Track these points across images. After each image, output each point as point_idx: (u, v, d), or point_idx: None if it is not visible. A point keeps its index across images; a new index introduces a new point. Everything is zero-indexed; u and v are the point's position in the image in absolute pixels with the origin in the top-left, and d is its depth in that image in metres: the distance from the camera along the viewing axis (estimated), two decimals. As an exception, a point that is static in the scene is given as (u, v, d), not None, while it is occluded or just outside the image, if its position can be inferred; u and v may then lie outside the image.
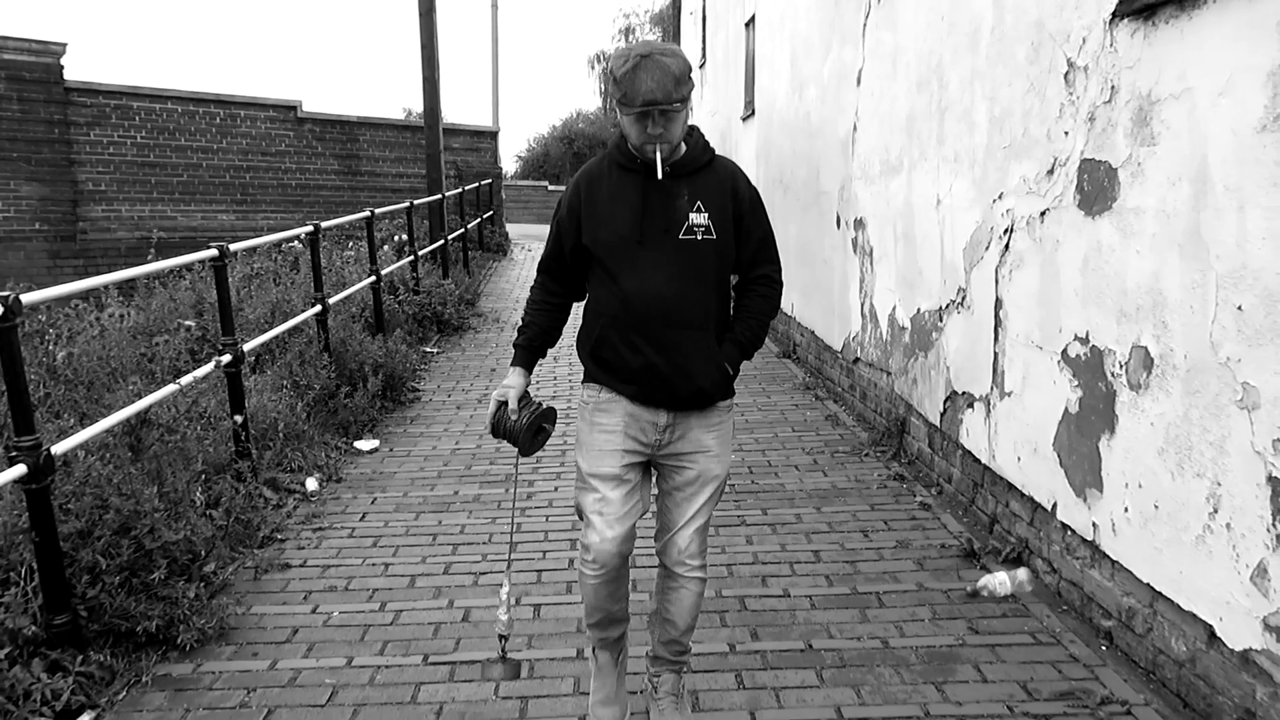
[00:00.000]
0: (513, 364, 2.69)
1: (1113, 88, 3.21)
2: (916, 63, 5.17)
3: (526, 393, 2.63)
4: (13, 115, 12.00)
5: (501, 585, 2.68)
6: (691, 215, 2.46)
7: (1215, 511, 2.74)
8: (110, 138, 13.00)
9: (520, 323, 2.74)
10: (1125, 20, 3.12)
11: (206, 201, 14.02)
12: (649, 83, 2.26)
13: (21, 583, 3.26)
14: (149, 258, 10.40)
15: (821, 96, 7.31)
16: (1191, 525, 2.85)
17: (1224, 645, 2.73)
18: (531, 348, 2.71)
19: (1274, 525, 2.50)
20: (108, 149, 12.99)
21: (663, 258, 2.45)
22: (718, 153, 2.61)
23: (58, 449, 3.25)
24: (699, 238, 2.47)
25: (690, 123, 2.50)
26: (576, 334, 2.68)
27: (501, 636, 2.65)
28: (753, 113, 10.39)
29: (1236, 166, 2.60)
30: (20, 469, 3.05)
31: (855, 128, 6.39)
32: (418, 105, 32.48)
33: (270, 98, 14.69)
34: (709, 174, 2.52)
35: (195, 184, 13.90)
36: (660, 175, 2.38)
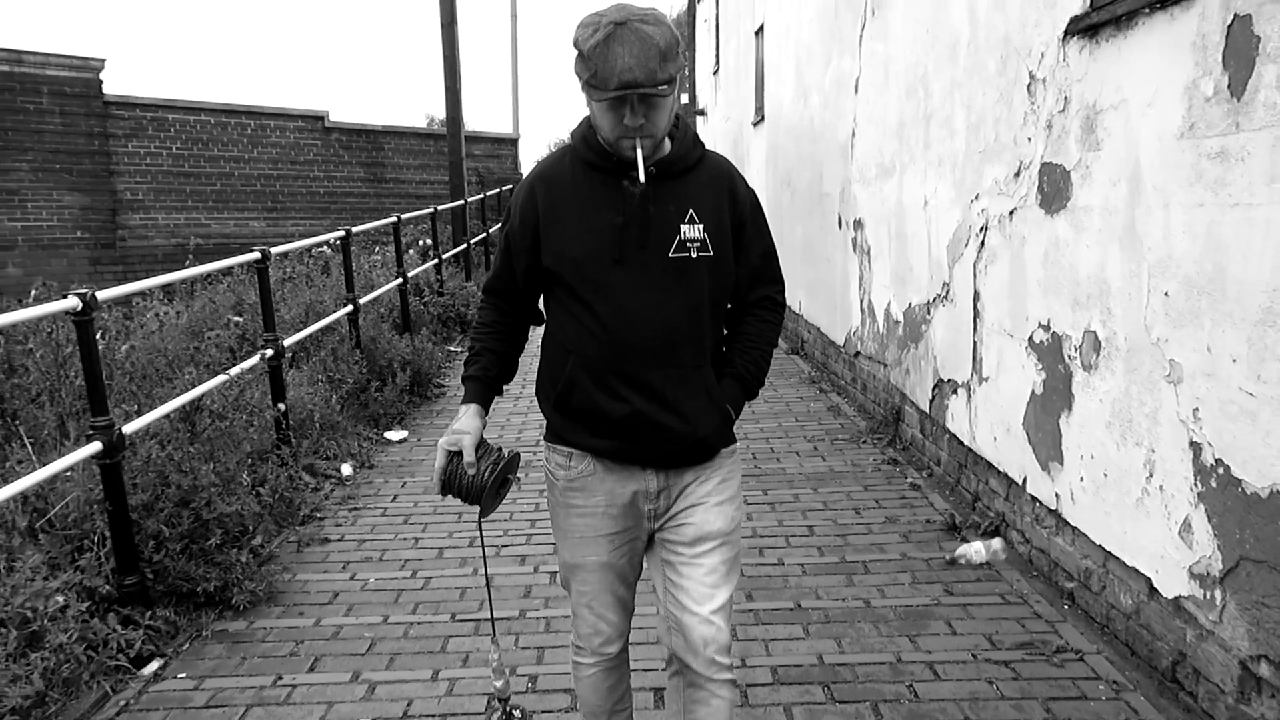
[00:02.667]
0: (464, 401, 2.12)
1: (1066, 98, 3.56)
2: (905, 72, 5.52)
3: (483, 438, 2.08)
4: (55, 129, 12.56)
5: (490, 652, 2.37)
6: (683, 227, 1.95)
7: (1151, 476, 3.08)
8: (147, 149, 13.55)
9: (469, 349, 2.21)
10: (1075, 37, 3.48)
11: (238, 209, 14.56)
12: (625, 58, 1.74)
13: (95, 548, 3.68)
14: (187, 263, 10.91)
15: (823, 103, 7.67)
16: (1133, 490, 3.19)
17: (1161, 595, 3.07)
18: (486, 379, 2.15)
19: (1196, 485, 2.84)
20: (145, 159, 13.54)
21: (647, 280, 1.95)
22: (711, 153, 2.13)
23: (128, 429, 3.67)
24: (693, 255, 1.96)
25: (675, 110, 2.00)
26: (535, 376, 2.19)
27: (501, 700, 2.37)
28: (762, 118, 10.75)
29: (1162, 169, 2.95)
30: (96, 446, 3.47)
31: (854, 133, 6.74)
32: (440, 112, 32.87)
33: (298, 108, 15.22)
34: (700, 175, 2.02)
35: (228, 192, 14.43)
36: (642, 178, 1.86)
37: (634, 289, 1.95)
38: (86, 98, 12.83)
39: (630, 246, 1.94)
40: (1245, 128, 2.56)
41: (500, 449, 2.09)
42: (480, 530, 2.33)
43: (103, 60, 12.93)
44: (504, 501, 2.20)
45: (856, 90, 6.65)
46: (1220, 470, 2.71)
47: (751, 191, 2.13)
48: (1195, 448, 2.84)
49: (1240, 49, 2.57)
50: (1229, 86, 2.62)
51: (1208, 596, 2.81)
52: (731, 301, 2.15)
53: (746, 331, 2.16)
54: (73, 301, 3.41)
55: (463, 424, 2.07)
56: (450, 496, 2.07)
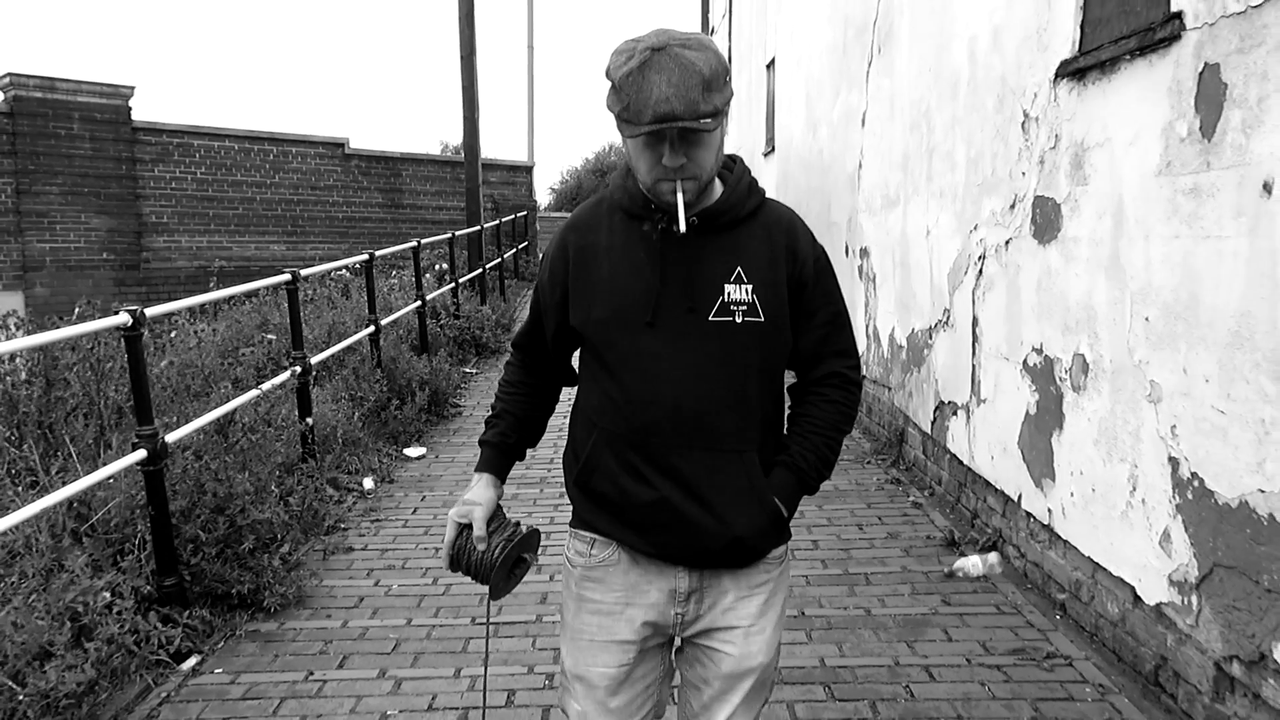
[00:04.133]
0: (478, 468, 1.92)
1: (1057, 136, 3.78)
2: (910, 108, 5.76)
3: (499, 509, 1.87)
4: (85, 153, 12.92)
5: None
6: (728, 287, 1.71)
7: (1134, 490, 3.27)
8: (173, 173, 13.91)
9: (490, 410, 2.01)
10: (1064, 79, 3.71)
11: (259, 233, 14.89)
12: (663, 87, 1.52)
13: (136, 551, 3.89)
14: (211, 285, 11.20)
15: (832, 135, 7.92)
16: (1118, 503, 3.38)
17: (1144, 603, 3.25)
18: (505, 446, 1.94)
19: (1174, 497, 3.03)
20: (170, 184, 13.90)
21: (684, 347, 1.70)
22: (772, 202, 1.84)
23: (170, 437, 3.90)
24: (738, 319, 1.70)
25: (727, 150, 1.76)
26: (563, 450, 1.95)
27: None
28: (773, 149, 11.03)
29: (1143, 203, 3.16)
30: (141, 453, 3.70)
31: (860, 165, 6.98)
32: (454, 138, 33.16)
33: (320, 135, 15.59)
34: (755, 227, 1.76)
35: (250, 216, 14.77)
36: (683, 228, 1.62)
37: (666, 356, 1.69)
38: (115, 124, 13.20)
39: (666, 308, 1.69)
40: (1215, 166, 2.77)
41: (518, 523, 1.88)
42: (487, 617, 2.00)
43: (132, 88, 13.31)
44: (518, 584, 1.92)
45: (864, 124, 6.90)
46: (1195, 483, 2.91)
47: (818, 248, 1.82)
48: (1173, 462, 3.03)
49: (1210, 94, 2.79)
50: (1200, 128, 2.84)
51: (1185, 602, 2.99)
52: (797, 377, 1.88)
53: (809, 414, 1.84)
54: (124, 318, 3.65)
55: (474, 494, 1.86)
56: (460, 573, 1.87)
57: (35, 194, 12.58)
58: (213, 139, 14.33)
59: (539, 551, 1.95)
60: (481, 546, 1.82)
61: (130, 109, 13.39)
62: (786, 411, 1.89)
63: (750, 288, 1.71)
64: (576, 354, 1.93)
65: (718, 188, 1.75)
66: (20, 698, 2.83)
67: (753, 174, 1.81)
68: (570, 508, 1.90)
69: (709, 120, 1.54)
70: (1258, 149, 2.59)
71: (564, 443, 1.93)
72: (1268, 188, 2.55)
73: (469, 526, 1.83)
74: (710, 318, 1.70)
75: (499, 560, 1.81)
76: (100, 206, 13.15)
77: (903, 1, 5.91)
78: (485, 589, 1.85)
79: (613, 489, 1.76)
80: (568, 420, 1.93)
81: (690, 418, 1.70)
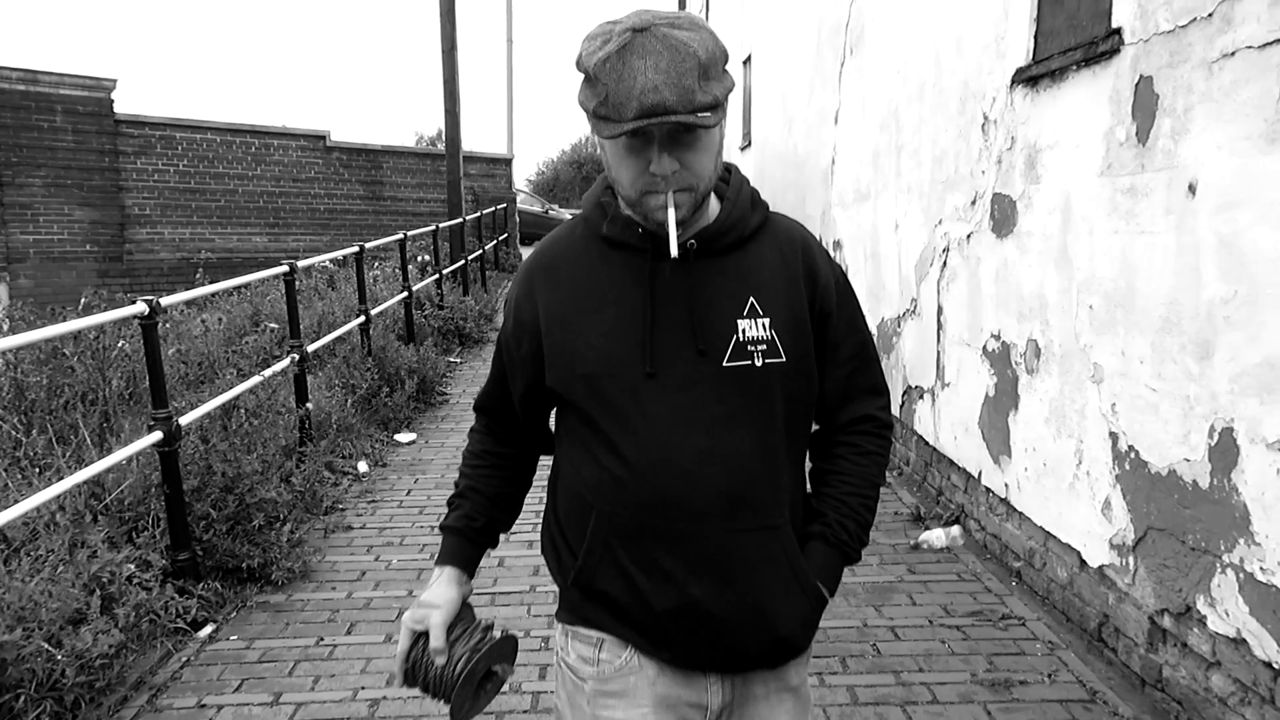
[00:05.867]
0: (439, 560, 1.57)
1: (1012, 138, 4.08)
2: (880, 107, 6.06)
3: (466, 608, 1.54)
4: (68, 146, 12.99)
5: None
6: (741, 323, 1.40)
7: (1080, 463, 3.58)
8: (155, 166, 14.00)
9: (454, 488, 1.65)
10: (1020, 85, 4.00)
11: (241, 225, 15.00)
12: (650, 74, 1.22)
13: (150, 528, 4.12)
14: (197, 276, 11.36)
15: (807, 132, 8.21)
16: (1066, 476, 3.69)
17: (1089, 566, 3.56)
18: (471, 532, 1.59)
19: (1114, 468, 3.34)
20: (153, 176, 13.99)
21: (697, 400, 1.39)
22: (777, 216, 1.55)
23: (184, 420, 4.13)
24: (758, 362, 1.40)
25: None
26: (540, 525, 1.61)
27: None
28: (750, 143, 11.31)
29: (1087, 201, 3.47)
30: (157, 435, 3.93)
31: (834, 161, 7.28)
32: (430, 130, 33.08)
33: (301, 128, 15.70)
34: (763, 247, 1.47)
35: (232, 208, 14.88)
36: (675, 252, 1.31)
37: (675, 414, 1.38)
38: (98, 116, 13.27)
39: (668, 353, 1.38)
40: (1149, 168, 3.07)
41: (489, 627, 1.52)
42: None
43: (114, 80, 13.38)
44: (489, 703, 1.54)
45: (837, 121, 7.19)
46: (1132, 455, 3.22)
47: (837, 267, 1.54)
48: (1113, 437, 3.34)
49: (1145, 103, 3.09)
50: (1137, 134, 3.14)
51: (1124, 563, 3.30)
52: (820, 422, 1.56)
53: (841, 469, 1.53)
54: (140, 307, 3.88)
55: (432, 594, 1.50)
56: (414, 689, 1.49)
57: (18, 186, 12.65)
58: (195, 131, 14.42)
59: (515, 662, 1.56)
60: (440, 660, 1.45)
61: (113, 101, 13.46)
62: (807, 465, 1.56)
63: (767, 321, 1.41)
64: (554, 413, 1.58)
65: (714, 204, 1.45)
66: (59, 658, 3.06)
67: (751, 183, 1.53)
68: (556, 591, 1.49)
69: (707, 114, 1.25)
70: (1184, 153, 2.90)
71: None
72: (1192, 189, 2.86)
73: (425, 634, 1.47)
74: (725, 363, 1.39)
75: (462, 677, 1.44)
76: (83, 198, 13.23)
77: (873, 6, 6.20)
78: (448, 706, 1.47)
79: (624, 591, 1.42)
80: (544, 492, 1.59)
81: (714, 489, 1.37)
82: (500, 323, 1.55)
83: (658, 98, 1.22)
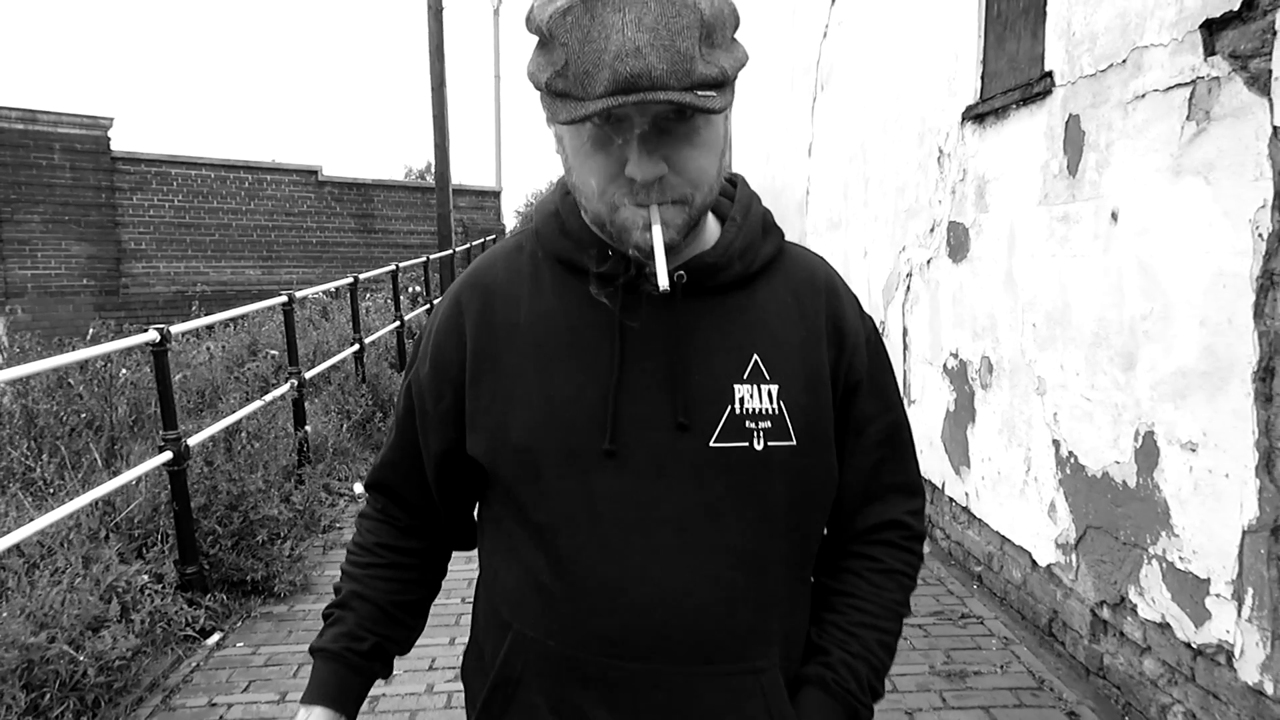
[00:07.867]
0: (306, 699, 1.14)
1: (964, 170, 4.40)
2: (849, 141, 6.40)
3: None
4: (66, 182, 13.29)
5: None
6: (739, 389, 1.04)
7: (1029, 470, 3.87)
8: (151, 201, 14.30)
9: (334, 593, 1.23)
10: (969, 122, 4.33)
11: (235, 258, 15.29)
12: (628, 30, 0.86)
13: (160, 543, 4.36)
14: (193, 309, 11.61)
15: (784, 164, 8.56)
16: (1017, 482, 3.97)
17: (1039, 566, 3.83)
18: (348, 657, 1.17)
19: (1057, 473, 3.63)
20: (148, 211, 14.28)
21: (669, 493, 1.02)
22: (795, 248, 1.18)
23: (192, 441, 4.38)
24: (758, 445, 1.03)
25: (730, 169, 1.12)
26: (464, 651, 1.25)
27: None
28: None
29: (1029, 228, 3.78)
30: (168, 455, 4.18)
31: (808, 191, 7.61)
32: (418, 163, 33.49)
33: (294, 164, 16.05)
34: (775, 288, 1.10)
35: (226, 242, 15.17)
36: (664, 285, 0.93)
37: (637, 509, 1.02)
38: (95, 154, 13.58)
39: (635, 424, 1.02)
40: (1078, 198, 3.39)
41: None
42: None
43: (111, 119, 13.70)
44: None
45: (810, 154, 7.53)
46: (1072, 460, 3.50)
47: (869, 321, 1.16)
48: (1056, 444, 3.62)
49: (1074, 139, 3.41)
50: (1068, 167, 3.46)
51: (1068, 561, 3.58)
52: (831, 525, 1.16)
53: (854, 591, 1.13)
54: (153, 335, 4.14)
55: None
56: None
57: (17, 222, 12.92)
58: (189, 168, 14.74)
59: None
60: None
61: (109, 139, 13.78)
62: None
63: (774, 390, 1.04)
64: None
65: (712, 224, 1.09)
66: (80, 659, 3.30)
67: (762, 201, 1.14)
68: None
69: (710, 93, 0.89)
70: (1107, 184, 3.21)
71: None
72: (1115, 216, 3.16)
73: None
74: (713, 442, 1.02)
75: None
76: (80, 234, 13.50)
77: (841, 46, 6.56)
78: None
79: None
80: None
81: (679, 617, 1.00)
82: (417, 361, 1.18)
83: (640, 64, 0.85)
